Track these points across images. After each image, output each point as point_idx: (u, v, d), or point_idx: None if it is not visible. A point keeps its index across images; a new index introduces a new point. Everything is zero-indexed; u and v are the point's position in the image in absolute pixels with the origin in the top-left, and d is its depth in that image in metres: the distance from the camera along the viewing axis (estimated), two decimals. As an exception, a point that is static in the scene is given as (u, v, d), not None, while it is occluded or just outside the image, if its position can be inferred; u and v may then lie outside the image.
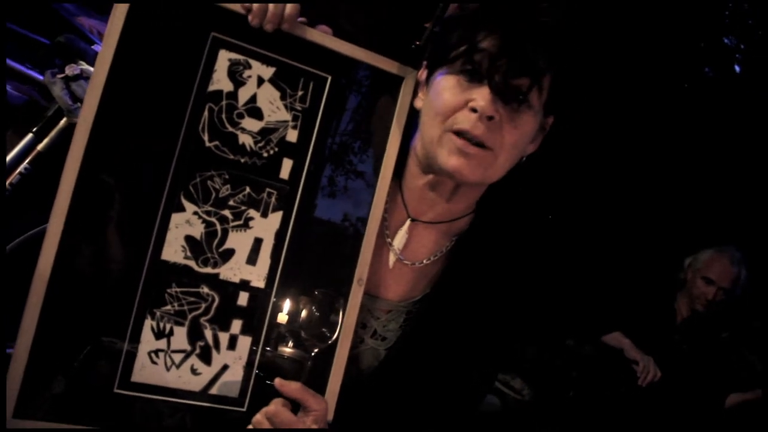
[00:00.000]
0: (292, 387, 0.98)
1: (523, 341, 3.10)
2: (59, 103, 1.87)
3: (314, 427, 0.97)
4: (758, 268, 3.10)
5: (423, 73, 1.16)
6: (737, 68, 4.05)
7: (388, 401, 1.13)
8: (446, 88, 1.07)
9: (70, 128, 1.89)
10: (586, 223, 3.62)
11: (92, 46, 2.02)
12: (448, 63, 1.07)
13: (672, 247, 3.33)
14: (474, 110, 1.02)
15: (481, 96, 1.02)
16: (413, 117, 1.18)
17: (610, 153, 3.67)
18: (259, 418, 0.97)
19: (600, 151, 3.63)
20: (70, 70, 1.86)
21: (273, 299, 1.05)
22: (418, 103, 1.16)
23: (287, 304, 1.06)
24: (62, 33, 2.01)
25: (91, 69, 1.85)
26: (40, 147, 1.90)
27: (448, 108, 1.06)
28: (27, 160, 1.89)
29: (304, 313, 1.01)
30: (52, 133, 1.89)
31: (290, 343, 1.05)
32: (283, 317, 1.06)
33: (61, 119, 1.90)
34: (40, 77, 1.97)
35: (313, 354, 1.02)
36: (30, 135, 1.92)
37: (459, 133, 1.04)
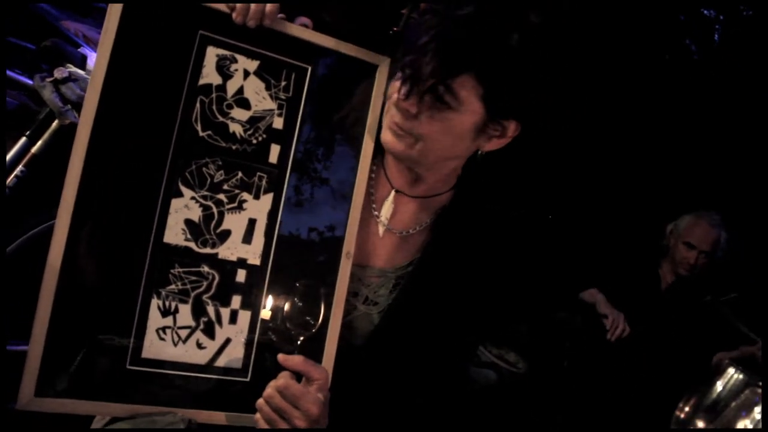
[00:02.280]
0: (295, 360, 1.05)
1: (515, 316, 3.18)
2: (50, 106, 1.93)
3: (319, 395, 1.04)
4: (739, 231, 3.17)
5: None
6: (716, 39, 4.12)
7: (383, 363, 1.20)
8: (398, 77, 1.12)
9: (62, 130, 1.95)
10: (568, 196, 3.68)
11: (78, 49, 2.07)
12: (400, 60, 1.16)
13: (653, 215, 3.37)
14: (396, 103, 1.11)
15: (399, 91, 1.09)
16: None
17: (590, 125, 3.72)
18: (270, 392, 1.03)
19: (581, 124, 3.68)
20: (59, 73, 1.92)
21: (269, 275, 1.12)
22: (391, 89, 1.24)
23: (269, 301, 1.13)
24: (48, 38, 2.06)
25: (80, 71, 1.91)
26: (34, 150, 1.95)
27: (390, 94, 1.15)
28: (22, 163, 1.94)
29: (287, 306, 1.08)
30: (45, 136, 1.95)
31: (278, 339, 1.12)
32: (266, 313, 1.13)
33: (53, 121, 1.96)
34: (30, 82, 2.03)
35: (299, 342, 1.08)
36: (23, 139, 1.98)
37: (392, 115, 1.13)
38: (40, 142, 1.95)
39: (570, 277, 3.14)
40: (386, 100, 1.19)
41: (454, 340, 1.28)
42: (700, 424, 0.86)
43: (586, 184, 3.77)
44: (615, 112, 3.78)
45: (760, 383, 0.87)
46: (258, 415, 1.05)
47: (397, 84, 1.12)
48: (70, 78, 1.92)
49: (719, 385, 0.92)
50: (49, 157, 1.94)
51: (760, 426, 0.74)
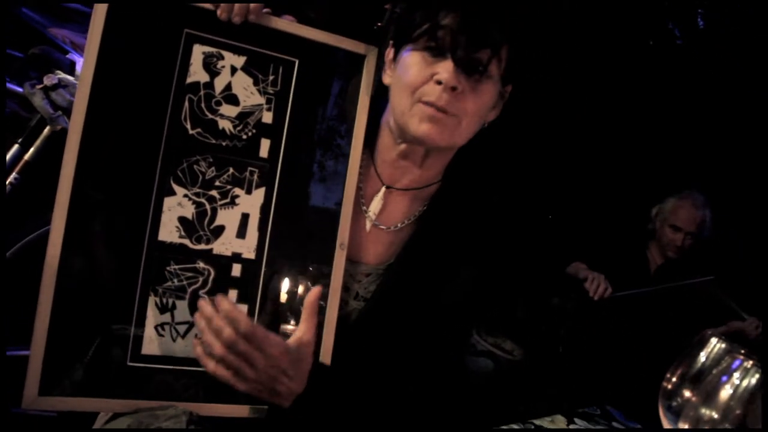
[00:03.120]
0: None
1: (506, 303, 3.21)
2: (41, 113, 1.94)
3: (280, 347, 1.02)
4: (722, 211, 3.19)
5: (390, 52, 1.26)
6: (701, 23, 4.14)
7: (372, 356, 1.22)
8: (413, 64, 1.16)
9: (54, 136, 1.96)
10: (554, 183, 3.70)
11: (67, 56, 2.09)
12: (413, 41, 1.17)
13: (639, 198, 3.39)
14: (439, 82, 1.13)
15: (445, 69, 1.12)
16: (384, 93, 1.29)
17: (576, 111, 3.74)
18: (233, 338, 0.97)
19: (566, 108, 3.70)
20: (49, 80, 1.93)
21: (264, 268, 1.14)
22: (387, 80, 1.25)
23: (285, 283, 1.15)
24: (35, 45, 2.07)
25: (69, 77, 1.92)
26: (27, 156, 1.97)
27: (416, 82, 1.16)
28: (16, 171, 1.96)
29: (301, 290, 1.11)
30: (38, 142, 1.97)
31: (292, 321, 1.14)
32: (284, 296, 1.15)
33: (45, 128, 1.98)
34: (19, 89, 2.03)
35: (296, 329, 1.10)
36: (16, 146, 1.99)
37: (427, 104, 1.15)
38: (32, 149, 1.96)
39: (559, 263, 3.17)
40: (397, 97, 1.20)
41: (440, 330, 1.29)
42: (687, 394, 0.89)
43: (572, 171, 3.79)
44: (601, 97, 3.81)
45: (742, 351, 0.90)
46: (213, 366, 1.01)
47: (419, 72, 1.15)
48: (60, 84, 1.93)
49: (702, 356, 0.95)
50: (42, 163, 1.96)
51: (739, 390, 0.76)
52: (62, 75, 1.98)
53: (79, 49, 2.07)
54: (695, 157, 3.94)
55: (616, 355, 2.87)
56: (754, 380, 0.77)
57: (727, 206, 3.34)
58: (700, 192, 3.11)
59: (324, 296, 1.15)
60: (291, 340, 1.04)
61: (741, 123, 3.90)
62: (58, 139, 1.94)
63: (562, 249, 3.25)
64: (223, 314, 0.98)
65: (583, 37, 3.60)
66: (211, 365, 1.01)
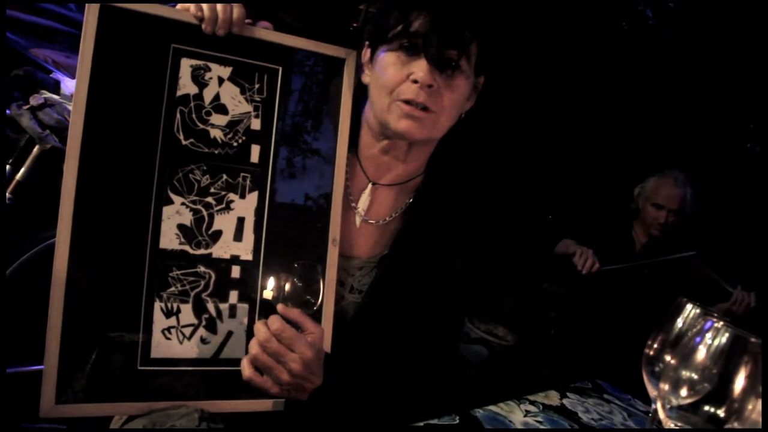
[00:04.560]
0: (293, 312, 1.09)
1: (496, 289, 3.27)
2: (30, 133, 1.97)
3: (311, 347, 1.09)
4: (704, 187, 3.27)
5: (366, 53, 1.32)
6: (671, 4, 4.21)
7: (372, 345, 1.27)
8: (389, 64, 1.23)
9: (44, 154, 2.00)
10: (539, 170, 3.75)
11: (50, 75, 2.12)
12: (388, 42, 1.23)
13: (621, 178, 3.45)
14: (415, 81, 1.19)
15: (420, 68, 1.19)
16: (363, 93, 1.34)
17: (556, 94, 3.79)
18: (267, 337, 1.06)
19: (547, 93, 3.75)
20: (35, 100, 1.96)
21: (261, 268, 1.19)
22: (366, 79, 1.31)
23: (270, 281, 1.19)
24: (19, 66, 2.10)
25: (55, 96, 1.96)
26: (18, 176, 2.00)
27: (393, 82, 1.22)
28: (8, 191, 1.99)
29: (287, 286, 1.15)
30: (28, 162, 2.00)
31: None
32: (268, 293, 1.20)
33: (34, 147, 2.01)
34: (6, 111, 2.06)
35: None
36: (7, 167, 2.02)
37: (405, 102, 1.21)
38: (23, 169, 2.00)
39: (547, 247, 3.22)
40: (376, 96, 1.26)
41: (435, 315, 1.35)
42: (667, 358, 0.95)
43: (555, 156, 3.85)
44: (581, 82, 3.87)
45: (714, 314, 0.96)
46: (246, 363, 1.08)
47: (396, 72, 1.21)
48: (46, 104, 1.97)
49: (680, 321, 1.02)
50: (34, 182, 1.99)
51: (712, 349, 0.83)
52: (47, 94, 2.02)
53: (63, 68, 2.10)
54: (674, 136, 4.01)
55: (605, 330, 2.93)
56: (724, 339, 0.83)
57: (706, 183, 3.42)
58: (681, 170, 3.18)
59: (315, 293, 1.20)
60: (310, 339, 1.09)
61: (716, 102, 3.98)
62: (48, 157, 1.98)
63: (549, 233, 3.30)
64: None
65: (556, 22, 3.66)
66: (247, 371, 1.09)
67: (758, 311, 3.00)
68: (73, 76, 2.12)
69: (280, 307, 1.10)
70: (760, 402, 0.82)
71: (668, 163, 3.37)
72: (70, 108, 1.99)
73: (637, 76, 4.02)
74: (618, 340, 2.81)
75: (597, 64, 3.93)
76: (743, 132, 4.13)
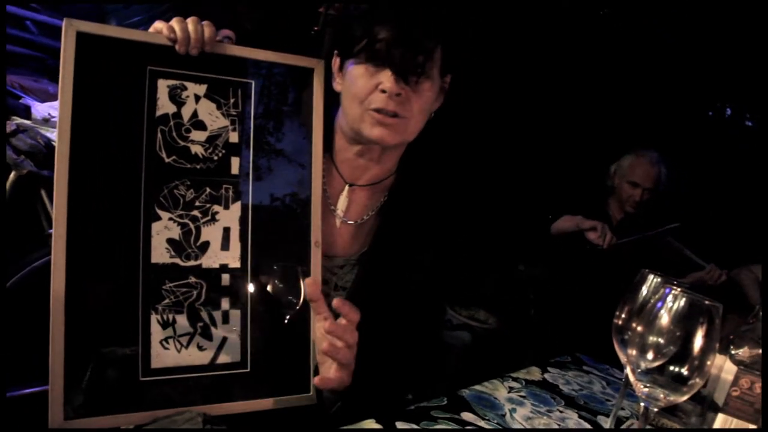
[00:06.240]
0: (346, 306, 1.20)
1: (475, 275, 3.35)
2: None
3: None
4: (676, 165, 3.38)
5: (336, 62, 1.39)
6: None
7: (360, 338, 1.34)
8: (358, 76, 1.30)
9: (20, 180, 2.02)
10: (511, 149, 3.83)
11: (20, 101, 2.14)
12: (354, 56, 1.30)
13: (595, 156, 3.57)
14: (383, 91, 1.26)
15: (387, 79, 1.27)
16: (334, 99, 1.41)
17: (530, 74, 3.87)
18: (330, 328, 1.19)
19: (521, 73, 3.83)
20: (7, 127, 1.98)
21: (249, 274, 1.25)
22: (337, 87, 1.38)
23: (250, 286, 1.25)
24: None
25: (26, 122, 1.99)
26: (-4, 203, 2.02)
27: (363, 92, 1.30)
28: (-13, 218, 2.00)
29: (269, 288, 1.22)
30: (6, 188, 2.02)
31: (268, 330, 1.25)
32: (256, 306, 1.25)
33: (10, 173, 2.03)
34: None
35: (286, 321, 1.23)
36: (-17, 194, 2.04)
37: (376, 110, 1.28)
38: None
39: (521, 228, 3.31)
40: (348, 105, 1.34)
41: (417, 304, 1.42)
42: (634, 326, 1.03)
43: (530, 137, 3.93)
44: (551, 63, 3.95)
45: (675, 282, 1.04)
46: (326, 346, 1.19)
47: (365, 83, 1.28)
48: (19, 129, 1.99)
49: (644, 290, 1.10)
50: (13, 207, 2.01)
51: (673, 312, 0.91)
52: (19, 120, 2.04)
53: (32, 93, 2.13)
54: (645, 114, 4.13)
55: (582, 307, 3.02)
56: (682, 303, 0.91)
57: (679, 161, 3.54)
58: (655, 149, 3.30)
59: (296, 293, 1.26)
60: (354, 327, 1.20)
61: (688, 82, 4.10)
62: (25, 182, 2.00)
63: (523, 216, 3.38)
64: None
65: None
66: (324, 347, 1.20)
67: (728, 284, 3.13)
68: (42, 100, 2.14)
69: (336, 302, 1.20)
70: (716, 357, 0.90)
71: (640, 140, 3.48)
72: (43, 132, 2.03)
73: (610, 57, 4.11)
74: (595, 315, 2.91)
75: (570, 42, 4.00)
76: (713, 108, 4.28)
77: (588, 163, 3.63)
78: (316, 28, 2.77)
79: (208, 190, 1.23)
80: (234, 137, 1.26)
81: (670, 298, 0.91)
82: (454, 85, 1.44)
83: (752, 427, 1.04)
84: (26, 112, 2.07)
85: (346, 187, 1.42)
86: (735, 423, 1.06)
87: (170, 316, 1.19)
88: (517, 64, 3.83)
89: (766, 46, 3.71)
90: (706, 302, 0.90)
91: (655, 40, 4.14)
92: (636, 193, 3.23)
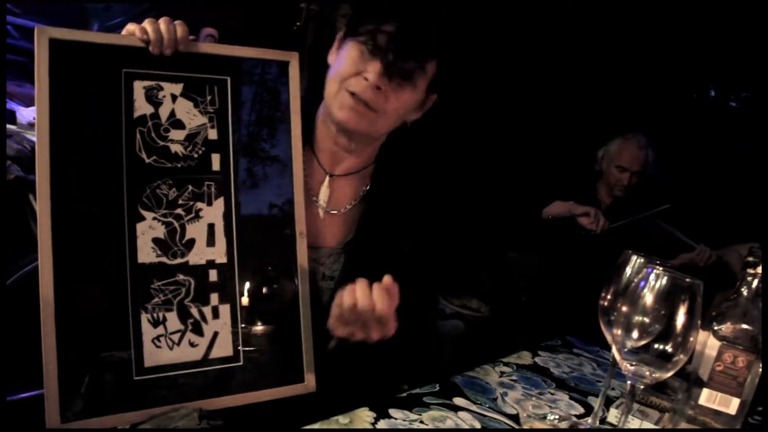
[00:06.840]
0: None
1: (469, 266, 3.36)
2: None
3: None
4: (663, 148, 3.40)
5: (340, 35, 1.40)
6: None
7: None
8: (350, 56, 1.32)
9: (7, 185, 2.01)
10: (498, 136, 3.83)
11: (3, 105, 2.12)
12: (357, 36, 1.32)
13: (584, 142, 3.58)
14: (366, 79, 1.28)
15: (373, 69, 1.28)
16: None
17: (519, 62, 3.87)
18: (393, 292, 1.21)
19: (509, 60, 3.83)
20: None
21: (237, 268, 1.25)
22: (331, 59, 1.40)
23: (246, 287, 1.26)
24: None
25: (12, 126, 1.98)
26: (-16, 209, 2.00)
27: (346, 72, 1.32)
28: (-24, 224, 2.00)
29: (257, 281, 1.23)
30: (-4, 192, 2.01)
31: (259, 323, 1.26)
32: (245, 300, 1.26)
33: (-2, 178, 2.01)
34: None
35: (276, 312, 1.23)
36: (-29, 201, 2.02)
37: (351, 93, 1.29)
38: (-13, 201, 2.01)
39: (510, 214, 3.31)
40: (331, 79, 1.34)
41: (403, 292, 1.43)
42: (619, 305, 1.04)
43: (517, 125, 3.93)
44: (537, 50, 3.95)
45: (657, 261, 1.06)
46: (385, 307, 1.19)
47: (353, 64, 1.29)
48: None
49: (628, 271, 1.11)
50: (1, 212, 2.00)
51: (655, 291, 0.92)
52: (3, 125, 2.03)
53: (16, 98, 2.12)
54: (634, 99, 4.14)
55: (573, 291, 3.04)
56: (664, 281, 0.92)
57: (667, 144, 3.55)
58: (643, 133, 3.31)
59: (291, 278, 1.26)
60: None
61: (673, 64, 4.11)
62: (12, 187, 1.99)
63: (512, 202, 3.38)
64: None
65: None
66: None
67: (717, 264, 3.15)
68: (26, 105, 2.13)
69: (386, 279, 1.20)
70: (698, 333, 0.92)
71: (627, 124, 3.49)
72: (29, 137, 2.02)
73: (599, 43, 4.12)
74: (585, 298, 2.93)
75: (555, 28, 4.00)
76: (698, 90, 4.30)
77: (576, 149, 3.64)
78: (298, 24, 2.77)
79: (190, 187, 1.23)
80: (213, 134, 1.26)
81: (652, 277, 0.92)
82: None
83: (736, 400, 1.05)
84: (11, 117, 2.06)
85: (327, 177, 1.43)
86: (720, 397, 1.07)
87: (160, 315, 1.19)
88: (504, 50, 3.83)
89: (749, 26, 3.72)
90: (687, 280, 0.91)
91: (640, 25, 4.15)
92: (624, 177, 3.24)
